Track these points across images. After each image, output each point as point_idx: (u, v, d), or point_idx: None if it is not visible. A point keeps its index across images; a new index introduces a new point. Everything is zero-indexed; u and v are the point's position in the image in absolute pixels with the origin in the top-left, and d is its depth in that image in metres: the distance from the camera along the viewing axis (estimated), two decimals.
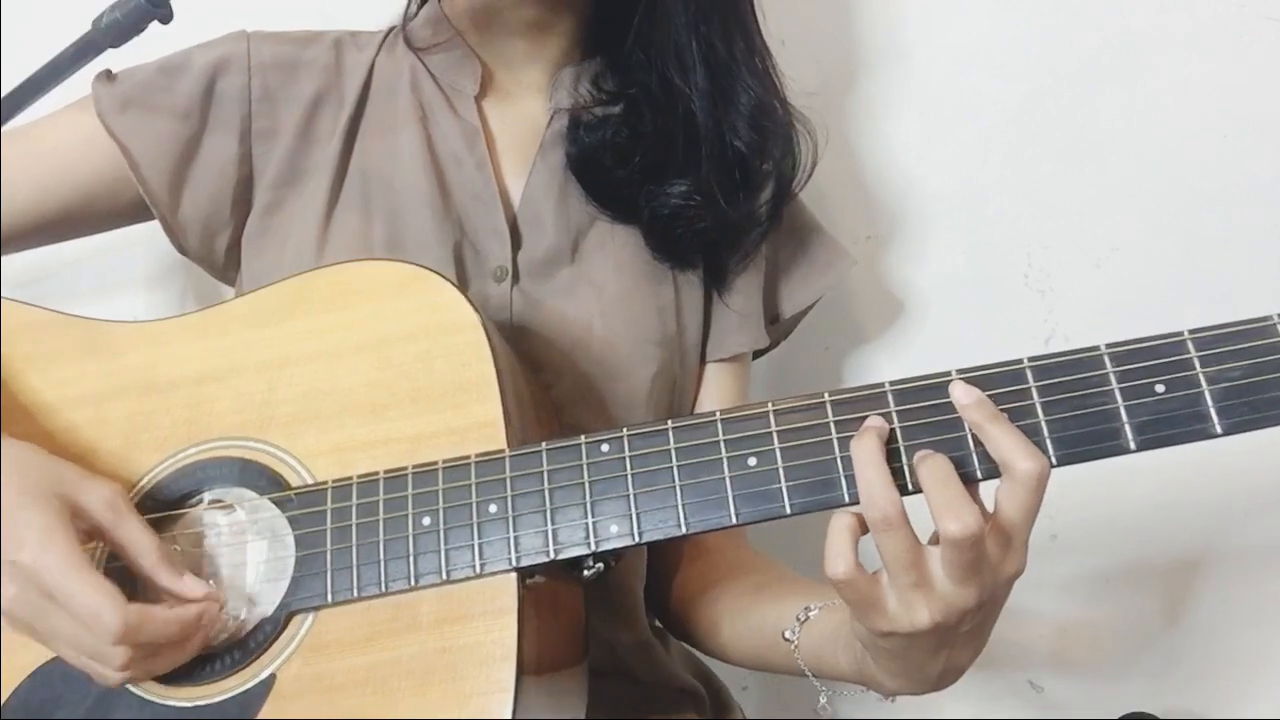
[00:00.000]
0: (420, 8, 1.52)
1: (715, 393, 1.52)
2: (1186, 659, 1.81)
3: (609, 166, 1.42)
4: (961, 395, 1.04)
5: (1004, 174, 1.84)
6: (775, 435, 1.10)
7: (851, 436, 1.06)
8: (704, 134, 1.41)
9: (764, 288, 1.54)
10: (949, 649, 1.06)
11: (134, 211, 1.47)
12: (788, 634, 1.23)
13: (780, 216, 1.49)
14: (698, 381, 1.51)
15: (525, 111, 1.49)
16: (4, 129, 1.29)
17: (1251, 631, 1.82)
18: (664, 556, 1.51)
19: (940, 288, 1.85)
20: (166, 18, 1.21)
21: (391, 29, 1.54)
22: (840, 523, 1.01)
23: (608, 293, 1.41)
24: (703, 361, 1.51)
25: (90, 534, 1.15)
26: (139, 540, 1.16)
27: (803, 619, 1.22)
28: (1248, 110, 1.81)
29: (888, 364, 1.84)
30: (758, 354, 1.61)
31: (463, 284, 1.38)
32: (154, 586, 1.16)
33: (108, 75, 1.45)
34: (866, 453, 1.02)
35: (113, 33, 1.21)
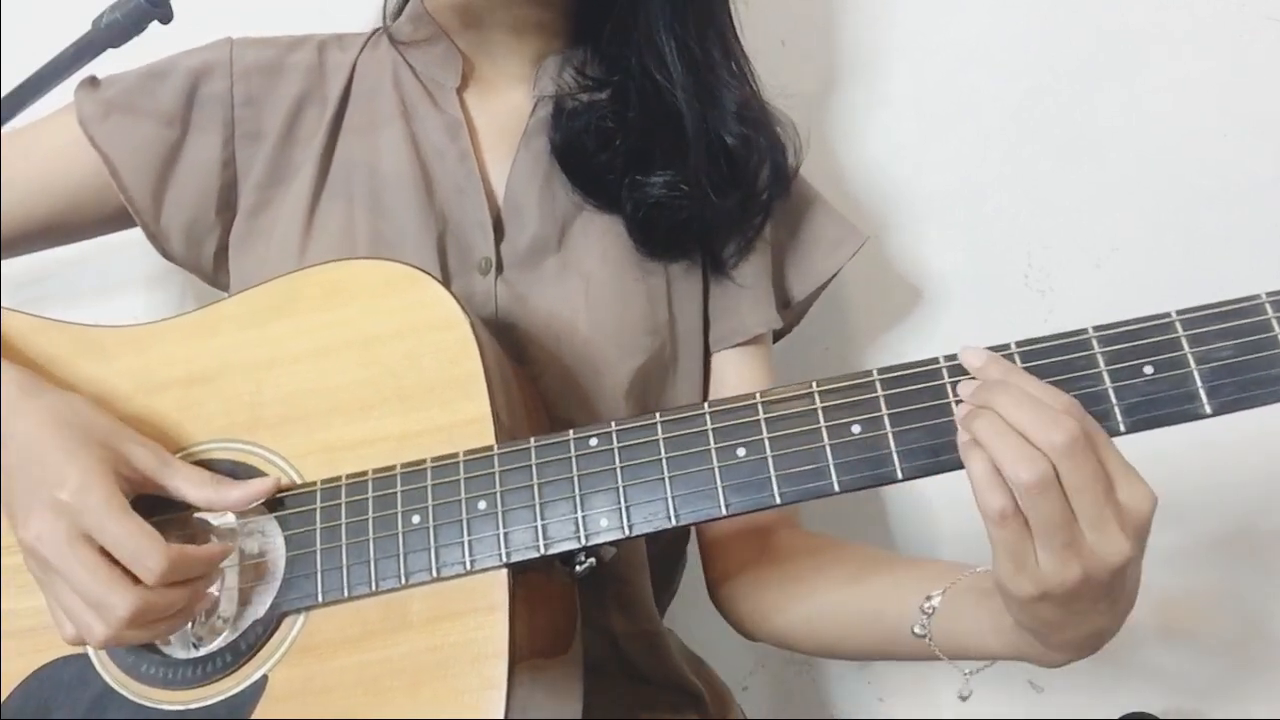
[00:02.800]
0: (403, 5, 1.52)
1: (744, 377, 1.49)
2: (1187, 659, 1.80)
3: (591, 151, 1.42)
4: (973, 359, 1.05)
5: (1003, 172, 1.83)
6: (764, 425, 1.10)
7: (838, 425, 1.08)
8: (690, 127, 1.40)
9: (772, 270, 1.52)
10: (1112, 600, 1.05)
11: (122, 218, 1.47)
12: (917, 629, 1.21)
13: (772, 208, 1.48)
14: (706, 370, 1.49)
15: (509, 102, 1.48)
16: (4, 129, 1.29)
17: (1251, 631, 1.80)
18: (718, 540, 1.48)
19: (940, 287, 1.85)
20: (166, 18, 1.21)
21: (376, 30, 1.54)
22: (982, 465, 0.99)
23: (595, 281, 1.40)
24: (708, 350, 1.49)
25: (132, 486, 1.16)
26: (187, 476, 1.18)
27: (929, 611, 1.20)
28: (1247, 109, 1.80)
29: (888, 363, 1.83)
30: (775, 338, 1.59)
31: (447, 278, 1.38)
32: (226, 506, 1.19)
33: (91, 82, 1.46)
34: (991, 425, 1.00)
35: (113, 33, 1.20)
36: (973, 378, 1.06)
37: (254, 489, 1.18)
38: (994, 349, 1.06)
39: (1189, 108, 1.81)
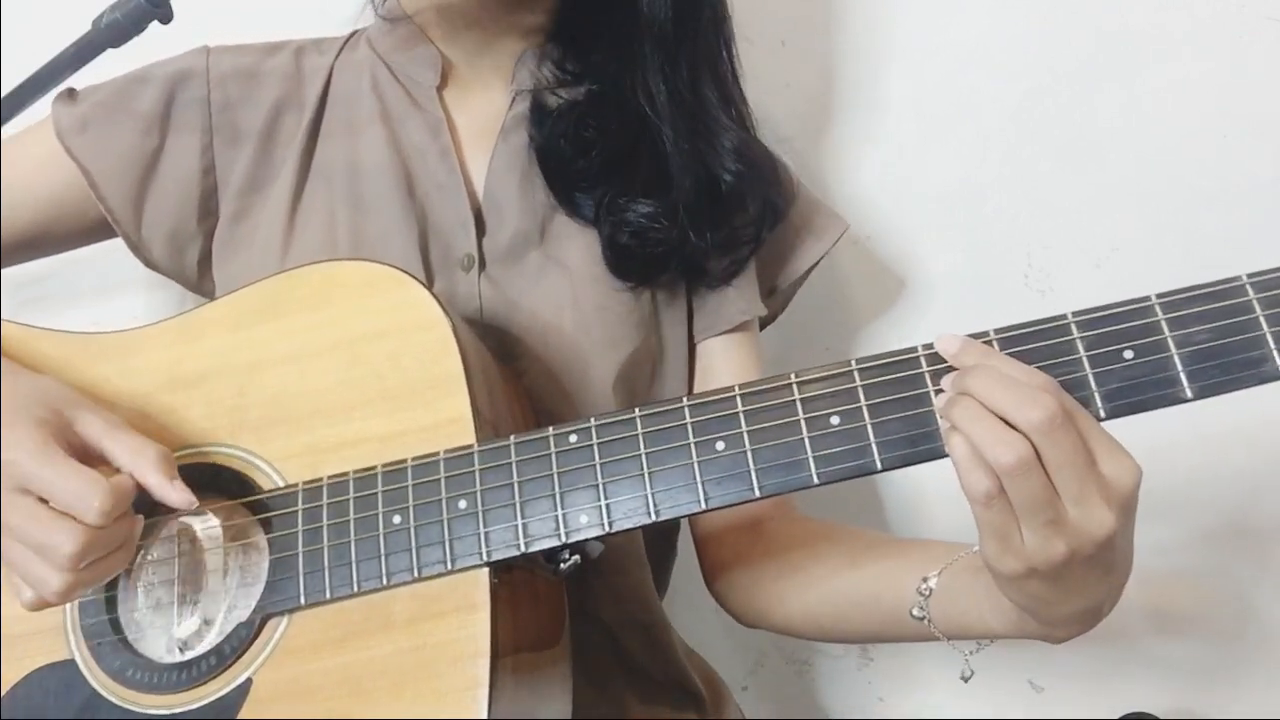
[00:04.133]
0: (383, 5, 1.52)
1: (732, 364, 1.49)
2: (1187, 659, 1.79)
3: (569, 157, 1.41)
4: (949, 345, 1.05)
5: (1003, 173, 1.82)
6: (742, 418, 1.09)
7: (817, 416, 1.07)
8: (674, 162, 1.40)
9: (757, 259, 1.51)
10: (1103, 571, 1.05)
11: (103, 228, 1.47)
12: (915, 612, 1.21)
13: (762, 241, 1.48)
14: (690, 361, 1.49)
15: (488, 99, 1.48)
16: (4, 129, 1.29)
17: (1251, 631, 1.79)
18: (713, 533, 1.48)
19: (940, 287, 1.84)
20: (166, 18, 1.20)
21: (354, 32, 1.54)
22: (964, 449, 1.00)
23: (578, 275, 1.40)
24: (693, 339, 1.49)
25: (73, 450, 1.13)
26: (133, 443, 1.15)
27: (925, 593, 1.20)
28: (1247, 110, 1.80)
29: None
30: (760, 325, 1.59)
31: (430, 276, 1.38)
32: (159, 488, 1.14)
33: (69, 94, 1.47)
34: (970, 410, 1.00)
35: (113, 33, 1.20)
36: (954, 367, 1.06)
37: (177, 493, 1.13)
38: (973, 336, 1.05)
39: (1189, 108, 1.80)
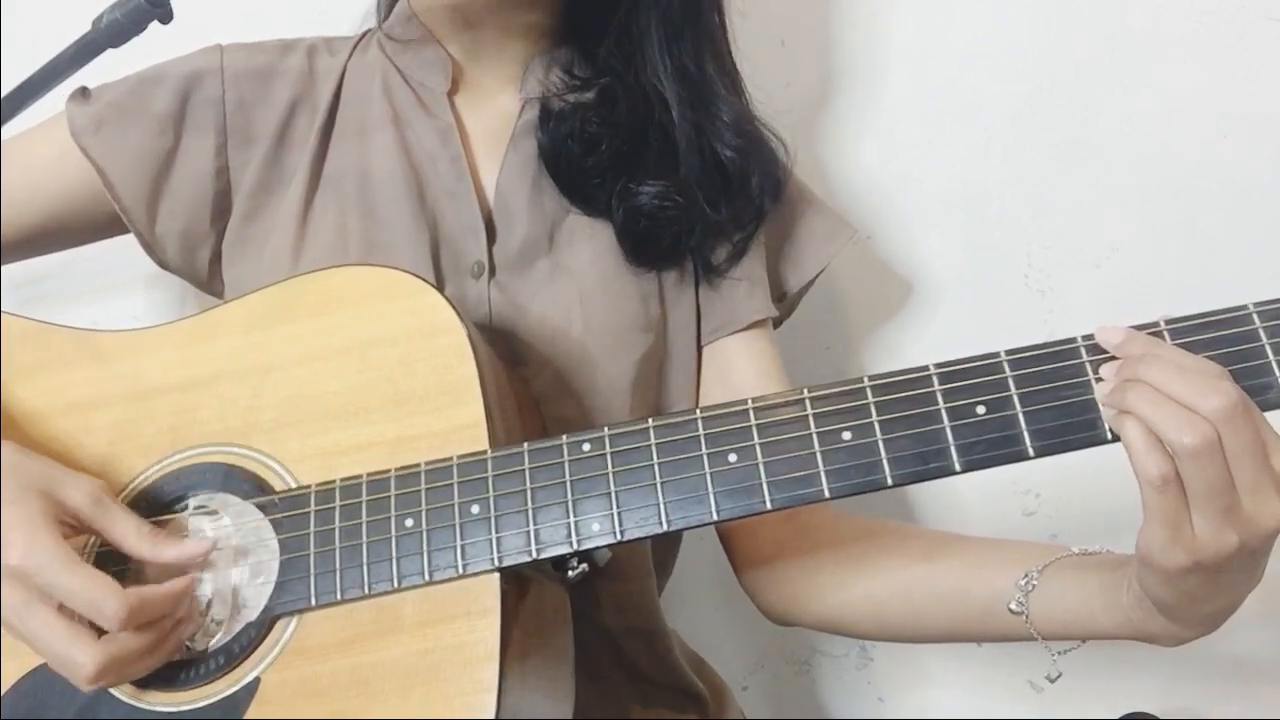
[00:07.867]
0: (390, 9, 1.52)
1: (751, 363, 1.48)
2: (1186, 659, 1.80)
3: (578, 155, 1.41)
4: (1112, 336, 1.05)
5: (1004, 173, 1.83)
6: (755, 431, 1.10)
7: (829, 431, 1.08)
8: (681, 140, 1.41)
9: (766, 264, 1.51)
10: (1253, 567, 1.06)
11: (113, 225, 1.47)
12: (1013, 606, 1.21)
13: (765, 215, 1.48)
14: (698, 365, 1.49)
15: (498, 105, 1.48)
16: (4, 129, 1.29)
17: (1251, 631, 1.80)
18: (746, 525, 1.46)
19: (940, 288, 1.85)
20: (166, 18, 1.21)
21: (365, 33, 1.54)
22: (1139, 432, 1.00)
23: (587, 280, 1.40)
24: (700, 342, 1.48)
25: (75, 529, 1.15)
26: (124, 525, 1.15)
27: (1028, 588, 1.20)
28: (1247, 110, 1.80)
29: (888, 364, 1.82)
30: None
31: (440, 282, 1.38)
32: (153, 564, 1.16)
33: (82, 93, 1.46)
34: (1146, 394, 1.01)
35: (113, 33, 1.20)
36: (1111, 357, 1.06)
37: (188, 550, 1.15)
38: (984, 357, 1.06)
39: (1189, 109, 1.81)
